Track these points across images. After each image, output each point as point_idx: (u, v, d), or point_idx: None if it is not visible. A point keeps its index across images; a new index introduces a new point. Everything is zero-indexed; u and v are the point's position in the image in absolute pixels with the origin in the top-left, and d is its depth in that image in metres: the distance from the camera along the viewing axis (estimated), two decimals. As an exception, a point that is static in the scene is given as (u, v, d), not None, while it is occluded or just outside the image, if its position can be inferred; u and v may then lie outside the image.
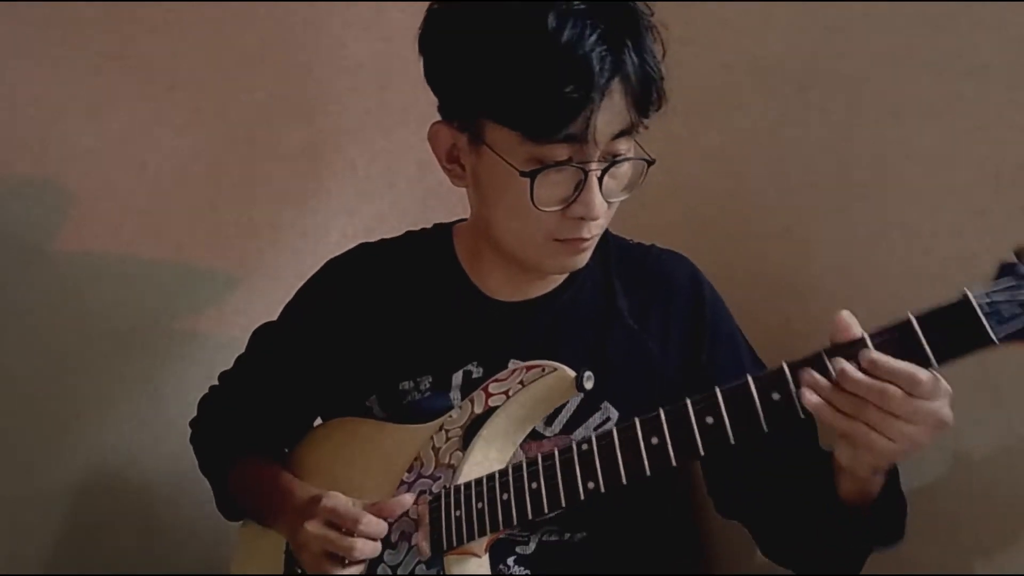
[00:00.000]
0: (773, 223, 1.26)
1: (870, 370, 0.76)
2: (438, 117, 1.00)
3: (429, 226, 1.16)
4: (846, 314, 0.81)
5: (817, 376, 0.78)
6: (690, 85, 1.32)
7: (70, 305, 1.40)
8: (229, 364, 1.22)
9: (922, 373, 0.75)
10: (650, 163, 0.95)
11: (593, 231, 0.95)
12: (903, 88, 1.09)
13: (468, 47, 0.92)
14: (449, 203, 1.22)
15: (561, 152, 0.90)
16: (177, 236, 1.46)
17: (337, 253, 1.17)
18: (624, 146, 0.93)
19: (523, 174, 0.90)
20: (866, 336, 0.79)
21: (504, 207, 0.96)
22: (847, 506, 0.88)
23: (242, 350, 1.21)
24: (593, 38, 0.87)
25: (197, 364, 1.45)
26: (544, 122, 0.88)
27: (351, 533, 0.96)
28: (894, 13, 1.09)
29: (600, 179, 0.91)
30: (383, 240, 1.17)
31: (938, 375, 0.77)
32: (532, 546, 1.01)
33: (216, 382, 1.24)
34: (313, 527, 0.97)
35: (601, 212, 0.93)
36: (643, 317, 1.05)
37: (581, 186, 0.91)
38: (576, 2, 0.88)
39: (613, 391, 1.01)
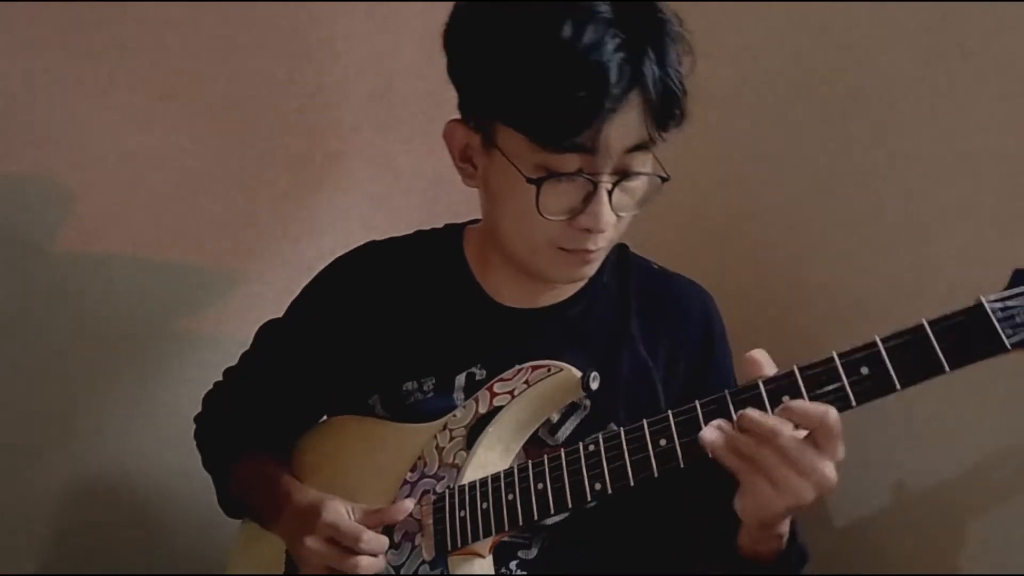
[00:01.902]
0: (775, 225, 1.26)
1: (782, 412, 0.78)
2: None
3: (434, 226, 1.15)
4: (757, 352, 0.83)
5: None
6: (692, 88, 1.33)
7: (69, 305, 1.39)
8: (229, 364, 1.21)
9: (831, 414, 0.77)
10: (664, 180, 0.92)
11: (599, 243, 0.94)
12: (908, 90, 1.09)
13: (486, 47, 0.90)
14: (449, 203, 1.22)
15: (571, 162, 0.88)
16: (177, 236, 1.45)
17: (336, 253, 1.16)
18: (639, 160, 0.90)
19: (529, 181, 0.89)
20: (877, 339, 0.79)
21: (511, 212, 0.94)
22: (743, 558, 0.88)
23: (242, 350, 1.20)
24: (612, 46, 0.84)
25: (196, 364, 1.44)
26: (553, 129, 0.86)
27: (351, 550, 0.94)
28: (899, 15, 1.08)
29: (610, 192, 0.89)
30: (392, 238, 1.15)
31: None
32: (534, 551, 1.00)
33: (218, 379, 1.23)
34: (313, 543, 0.96)
35: (608, 225, 0.91)
36: (653, 346, 1.04)
37: (590, 198, 0.89)
38: (600, 6, 0.85)
39: (620, 414, 0.99)
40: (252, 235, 1.51)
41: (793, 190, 1.23)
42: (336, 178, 1.55)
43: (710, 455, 0.81)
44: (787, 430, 0.77)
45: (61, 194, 1.37)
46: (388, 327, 1.08)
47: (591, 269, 0.98)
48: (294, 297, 1.17)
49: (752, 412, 0.79)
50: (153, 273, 1.44)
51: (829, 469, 0.78)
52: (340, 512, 0.97)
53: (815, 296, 1.21)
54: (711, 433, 0.80)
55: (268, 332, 1.20)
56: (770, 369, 0.82)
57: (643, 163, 0.91)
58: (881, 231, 1.13)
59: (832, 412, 0.77)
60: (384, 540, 0.95)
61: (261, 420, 1.15)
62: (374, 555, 0.95)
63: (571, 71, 0.84)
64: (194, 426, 1.22)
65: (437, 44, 0.95)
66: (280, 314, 1.17)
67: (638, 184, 0.92)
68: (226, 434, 1.17)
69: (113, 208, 1.41)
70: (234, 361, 1.20)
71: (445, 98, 0.98)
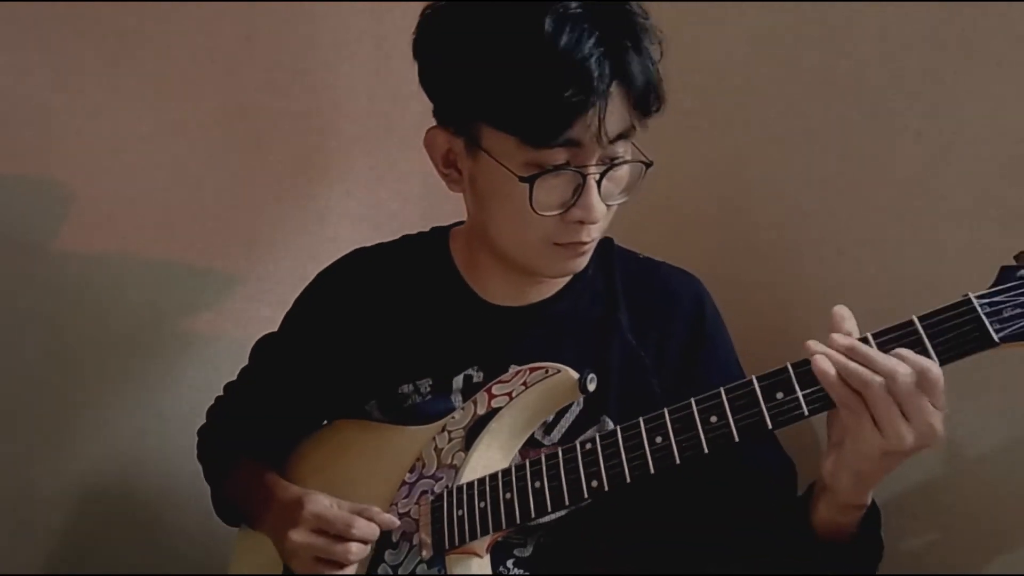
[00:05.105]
0: (771, 225, 1.26)
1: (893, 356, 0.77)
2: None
3: (429, 226, 1.17)
4: (841, 308, 0.83)
5: (827, 348, 0.79)
6: (688, 89, 1.32)
7: (69, 305, 1.39)
8: (229, 365, 1.22)
9: (935, 368, 0.76)
10: (648, 165, 0.95)
11: (592, 234, 0.96)
12: (903, 90, 1.09)
13: (464, 51, 0.91)
14: (451, 204, 1.22)
15: (559, 156, 0.90)
16: (177, 236, 1.46)
17: (336, 255, 1.17)
18: (622, 148, 0.93)
19: (522, 179, 0.90)
20: (869, 336, 0.80)
21: (502, 212, 0.96)
22: (820, 539, 0.88)
23: (242, 350, 1.21)
24: (591, 41, 0.86)
25: (197, 364, 1.45)
26: (543, 128, 0.88)
27: (343, 538, 0.95)
28: (894, 15, 1.09)
29: (599, 182, 0.92)
30: (379, 244, 1.17)
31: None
32: (530, 549, 1.01)
33: (217, 386, 1.24)
34: (299, 535, 0.96)
35: (600, 215, 0.93)
36: (642, 333, 1.05)
37: (580, 190, 0.91)
38: (573, 5, 0.87)
39: (612, 405, 1.01)
40: (252, 236, 1.52)
41: (789, 184, 1.23)
42: (336, 180, 1.56)
43: (821, 384, 0.79)
44: (903, 370, 0.76)
45: (61, 194, 1.37)
46: (380, 332, 1.09)
47: (584, 261, 1.00)
48: (287, 309, 1.19)
49: (869, 350, 0.78)
50: (153, 273, 1.44)
51: (936, 419, 0.77)
52: (324, 502, 0.98)
53: (809, 291, 1.21)
54: (823, 362, 0.78)
55: (264, 345, 1.21)
56: (851, 323, 0.82)
57: (625, 150, 0.93)
58: (876, 227, 1.13)
59: (935, 368, 0.76)
60: (375, 528, 0.96)
61: (259, 431, 1.16)
62: (365, 542, 0.95)
63: (555, 70, 0.86)
64: (197, 439, 1.23)
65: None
66: (278, 314, 1.19)
67: (622, 172, 0.94)
68: (224, 445, 1.18)
69: (113, 208, 1.41)
70: (233, 360, 1.21)
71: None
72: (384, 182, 1.56)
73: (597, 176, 0.91)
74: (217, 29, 1.45)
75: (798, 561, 0.89)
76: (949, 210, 1.06)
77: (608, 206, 0.94)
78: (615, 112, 0.90)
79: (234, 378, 1.23)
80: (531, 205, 0.91)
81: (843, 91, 1.15)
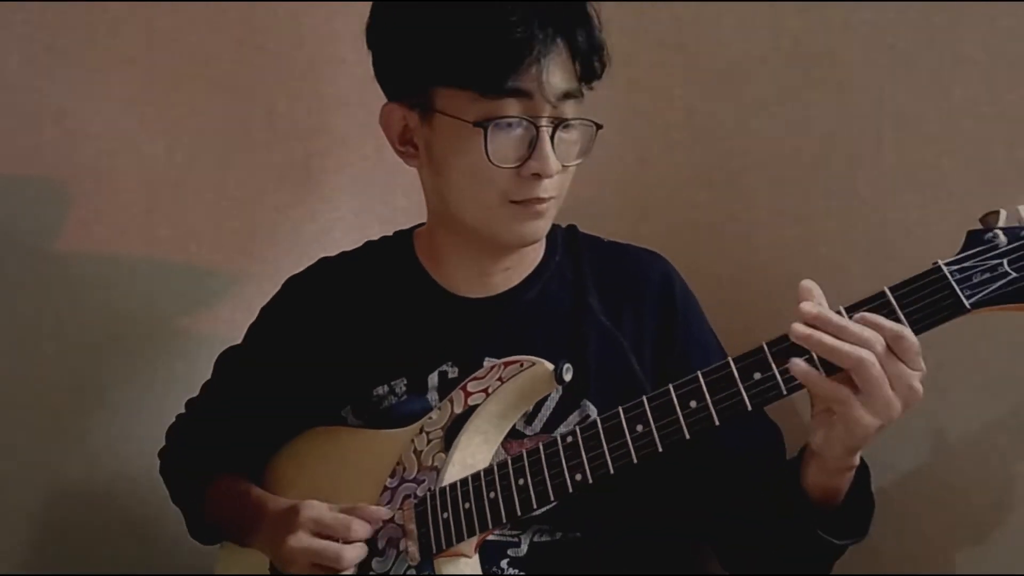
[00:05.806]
0: (761, 220, 1.26)
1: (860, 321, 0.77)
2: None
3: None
4: (807, 281, 0.82)
5: (809, 331, 0.78)
6: (679, 84, 1.35)
7: (70, 305, 1.38)
8: None
9: (908, 331, 0.76)
10: (599, 127, 0.97)
11: (549, 191, 0.96)
12: (893, 86, 1.09)
13: (410, 21, 0.96)
14: None
15: (511, 107, 0.92)
16: (177, 236, 1.45)
17: (337, 253, 1.17)
18: (571, 110, 0.95)
19: (476, 124, 0.92)
20: (841, 309, 0.80)
21: (460, 172, 0.97)
22: (813, 504, 0.88)
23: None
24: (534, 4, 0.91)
25: (195, 364, 1.41)
26: (491, 73, 0.91)
27: (343, 540, 0.94)
28: (884, 11, 1.10)
29: (552, 137, 0.94)
30: (343, 252, 1.17)
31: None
32: (524, 548, 1.00)
33: (181, 411, 1.23)
34: (297, 540, 0.95)
35: (555, 169, 0.94)
36: (616, 316, 1.05)
37: (534, 143, 0.94)
38: None
39: (592, 389, 1.01)
40: (252, 236, 1.51)
41: (780, 179, 1.24)
42: (333, 181, 1.56)
43: (807, 387, 0.79)
44: (874, 336, 0.75)
45: (61, 194, 1.37)
46: (350, 337, 1.08)
47: (544, 225, 1.00)
48: (251, 322, 1.17)
49: (841, 319, 0.77)
50: (154, 273, 1.44)
51: (916, 381, 0.77)
52: (321, 507, 0.97)
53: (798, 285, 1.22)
54: (800, 366, 0.78)
55: (228, 359, 1.20)
56: (819, 296, 0.81)
57: (575, 113, 0.96)
58: (869, 227, 1.14)
59: (907, 332, 0.76)
60: (368, 526, 0.95)
61: (230, 446, 1.14)
62: (361, 541, 0.95)
63: (500, 16, 0.91)
64: (159, 461, 1.21)
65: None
66: None
67: (575, 136, 0.97)
68: (196, 464, 1.16)
69: (113, 208, 1.41)
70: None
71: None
72: (381, 183, 1.55)
73: (550, 129, 0.94)
74: (217, 30, 1.45)
75: (794, 527, 0.89)
76: (939, 205, 1.06)
77: (564, 167, 0.96)
78: (560, 67, 0.93)
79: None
80: (487, 154, 0.92)
81: (835, 87, 1.15)
